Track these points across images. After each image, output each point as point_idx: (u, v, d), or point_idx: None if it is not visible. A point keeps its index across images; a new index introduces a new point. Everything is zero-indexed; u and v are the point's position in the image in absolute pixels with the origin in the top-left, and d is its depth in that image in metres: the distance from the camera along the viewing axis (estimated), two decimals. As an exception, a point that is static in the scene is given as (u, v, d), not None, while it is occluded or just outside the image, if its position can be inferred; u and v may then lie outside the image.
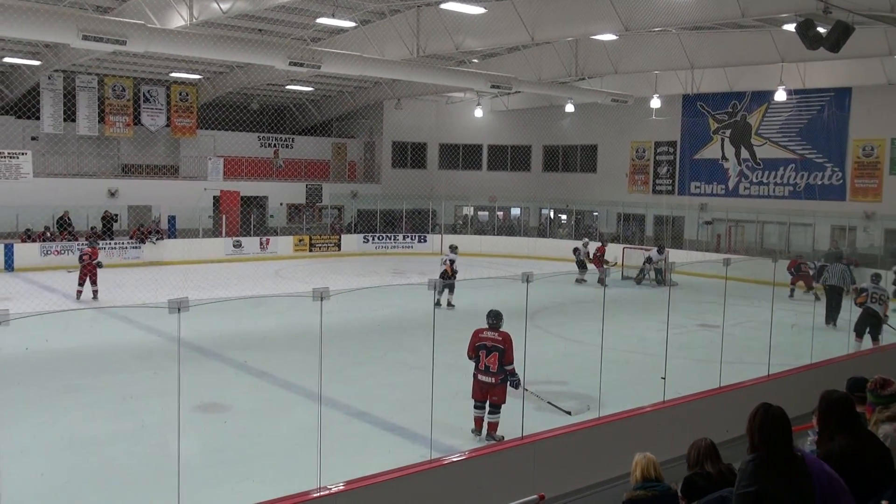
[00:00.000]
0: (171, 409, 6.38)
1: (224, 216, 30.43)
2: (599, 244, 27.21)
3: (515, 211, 38.21)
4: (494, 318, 9.70)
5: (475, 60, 28.41)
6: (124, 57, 26.09)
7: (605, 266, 23.85)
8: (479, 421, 9.70)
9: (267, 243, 30.54)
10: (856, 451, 4.30)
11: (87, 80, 29.79)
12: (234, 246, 29.61)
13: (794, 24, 15.00)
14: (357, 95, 35.29)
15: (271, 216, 33.34)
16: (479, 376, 9.53)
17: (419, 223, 35.37)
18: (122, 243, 27.20)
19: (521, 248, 31.71)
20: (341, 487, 6.60)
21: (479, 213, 38.20)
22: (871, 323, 14.41)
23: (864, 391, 5.37)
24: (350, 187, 36.16)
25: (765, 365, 10.73)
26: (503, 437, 9.03)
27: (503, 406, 9.50)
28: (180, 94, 32.31)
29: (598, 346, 8.99)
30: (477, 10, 19.87)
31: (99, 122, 30.32)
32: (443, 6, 20.08)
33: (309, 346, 7.70)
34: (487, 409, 9.60)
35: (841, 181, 27.44)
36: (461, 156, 38.43)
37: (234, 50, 18.48)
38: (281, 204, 33.85)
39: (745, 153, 30.18)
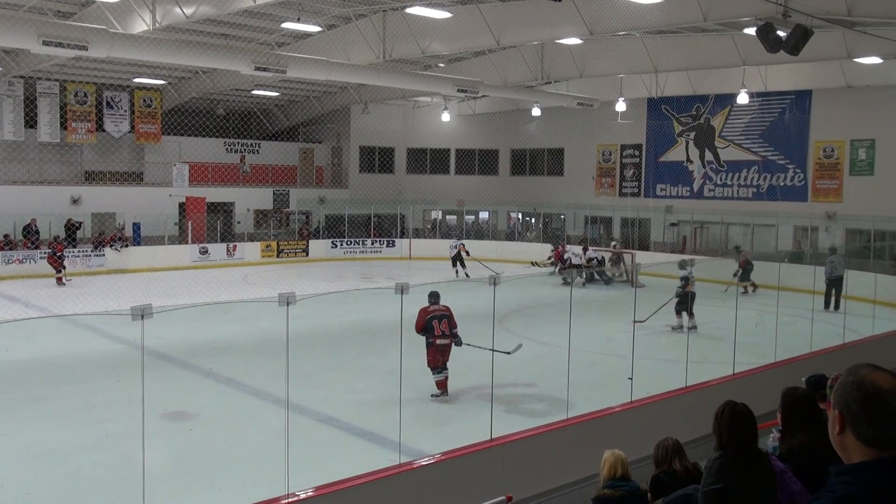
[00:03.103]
0: (135, 418, 6.30)
1: (190, 223, 30.12)
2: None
3: (484, 215, 38.32)
4: (436, 296, 11.76)
5: (441, 65, 28.46)
6: (86, 62, 25.75)
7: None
8: (442, 383, 11.33)
9: (234, 249, 30.29)
10: (817, 447, 4.36)
11: (49, 86, 29.34)
12: (200, 252, 29.33)
13: (755, 28, 15.23)
14: (324, 100, 35.17)
15: (238, 222, 33.06)
16: (438, 342, 11.26)
17: (387, 228, 35.31)
18: (86, 251, 26.80)
19: (490, 252, 31.74)
20: (310, 493, 6.56)
21: (448, 216, 38.23)
22: (689, 302, 16.99)
23: (825, 388, 5.45)
24: (318, 192, 36.00)
25: (730, 364, 10.87)
26: None
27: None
28: (144, 100, 31.95)
29: (566, 347, 9.05)
30: (443, 14, 19.92)
31: (61, 128, 29.86)
32: (409, 11, 20.10)
33: (276, 352, 7.65)
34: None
35: (803, 182, 27.88)
36: (429, 160, 38.46)
37: (198, 55, 18.29)
38: (248, 210, 33.59)
39: (709, 155, 30.55)
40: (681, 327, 16.69)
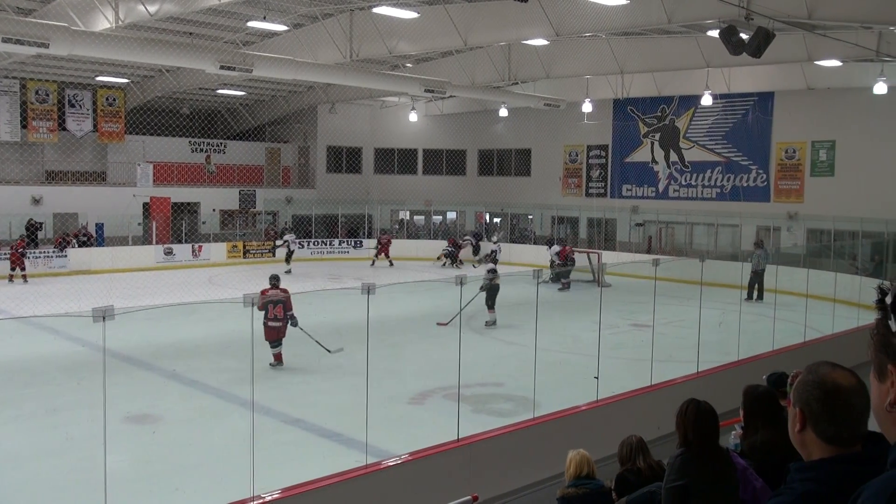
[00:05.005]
0: (97, 421, 6.21)
1: (154, 223, 29.76)
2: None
3: (451, 215, 38.35)
4: (275, 279, 13.49)
5: (409, 65, 28.42)
6: (47, 60, 25.32)
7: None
8: (279, 356, 13.11)
9: (199, 250, 29.97)
10: (778, 443, 4.43)
11: (9, 84, 28.81)
12: (165, 253, 28.99)
13: (718, 31, 15.42)
14: (290, 100, 34.94)
15: (203, 223, 32.69)
16: (270, 323, 12.95)
17: (355, 228, 35.19)
18: (48, 252, 26.36)
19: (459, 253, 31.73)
20: (277, 495, 6.52)
21: (415, 217, 38.20)
22: (493, 296, 17.14)
23: (786, 385, 5.53)
24: (284, 192, 35.76)
25: (694, 363, 10.99)
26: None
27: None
28: (107, 99, 31.49)
29: (532, 347, 9.08)
30: (410, 14, 19.89)
31: (21, 127, 29.33)
32: (375, 10, 20.04)
33: (242, 354, 7.59)
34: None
35: (765, 183, 28.28)
36: (396, 160, 38.38)
37: (162, 53, 18.05)
38: (214, 210, 33.24)
39: (673, 156, 30.87)
40: (494, 322, 16.95)
